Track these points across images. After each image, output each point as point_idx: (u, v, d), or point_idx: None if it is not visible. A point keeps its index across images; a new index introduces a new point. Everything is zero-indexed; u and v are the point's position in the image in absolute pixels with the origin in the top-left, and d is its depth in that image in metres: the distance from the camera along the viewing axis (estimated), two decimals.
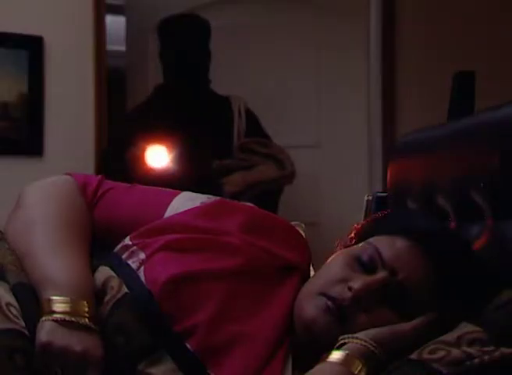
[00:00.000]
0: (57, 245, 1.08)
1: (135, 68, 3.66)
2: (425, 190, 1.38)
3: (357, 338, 1.00)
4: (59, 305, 0.99)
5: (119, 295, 1.03)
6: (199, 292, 1.05)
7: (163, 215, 1.18)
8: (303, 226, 1.30)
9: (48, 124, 2.90)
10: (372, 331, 1.01)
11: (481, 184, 1.19)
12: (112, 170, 2.69)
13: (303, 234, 1.25)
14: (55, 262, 1.05)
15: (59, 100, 2.92)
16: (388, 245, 1.08)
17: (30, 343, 0.97)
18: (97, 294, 1.03)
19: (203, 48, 3.05)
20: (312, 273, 1.20)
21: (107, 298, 1.03)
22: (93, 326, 0.99)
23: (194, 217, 1.15)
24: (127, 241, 1.13)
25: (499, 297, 1.02)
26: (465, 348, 0.93)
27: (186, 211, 1.17)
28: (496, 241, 1.15)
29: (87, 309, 0.99)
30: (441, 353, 0.94)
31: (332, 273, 1.08)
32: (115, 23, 3.55)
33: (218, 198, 1.23)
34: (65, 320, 0.97)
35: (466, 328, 0.97)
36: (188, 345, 1.01)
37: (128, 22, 3.70)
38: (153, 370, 0.99)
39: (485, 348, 0.93)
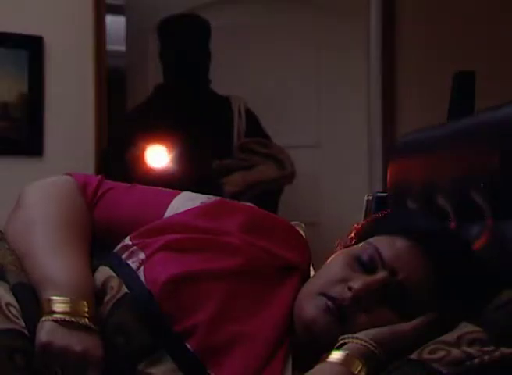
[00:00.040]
0: (57, 245, 1.08)
1: (135, 68, 3.66)
2: (425, 190, 1.38)
3: (357, 338, 1.00)
4: (59, 305, 0.99)
5: (119, 295, 1.03)
6: (199, 292, 1.05)
7: (163, 215, 1.18)
8: (303, 226, 1.30)
9: (47, 124, 2.90)
10: (372, 331, 1.01)
11: (481, 184, 1.19)
12: (111, 170, 2.69)
13: (303, 234, 1.25)
14: (55, 262, 1.05)
15: (59, 100, 2.92)
16: (388, 245, 1.08)
17: (30, 343, 0.97)
18: (97, 294, 1.03)
19: (203, 48, 3.05)
20: (312, 273, 1.20)
21: (107, 298, 1.03)
22: (93, 326, 0.99)
23: (194, 217, 1.15)
24: (127, 241, 1.13)
25: (499, 297, 1.02)
26: (465, 348, 0.93)
27: (186, 211, 1.17)
28: (495, 241, 1.15)
29: (86, 309, 0.99)
30: (441, 353, 0.94)
31: (332, 273, 1.08)
32: (115, 23, 3.55)
33: (218, 198, 1.23)
34: (65, 320, 0.97)
35: (466, 328, 0.97)
36: (188, 345, 1.01)
37: (128, 22, 3.70)
38: (153, 370, 0.99)
39: (485, 348, 0.93)
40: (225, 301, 1.05)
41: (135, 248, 1.11)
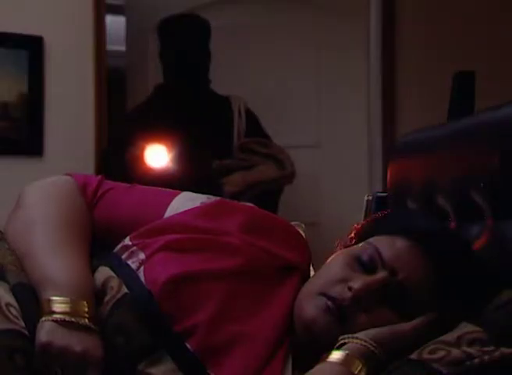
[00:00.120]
0: (57, 245, 1.08)
1: (135, 68, 3.66)
2: (425, 190, 1.38)
3: (357, 338, 1.00)
4: (59, 305, 0.99)
5: (119, 295, 1.03)
6: (199, 292, 1.05)
7: (163, 215, 1.18)
8: (303, 226, 1.30)
9: (47, 124, 2.90)
10: (372, 331, 1.01)
11: (481, 184, 1.19)
12: (111, 170, 2.69)
13: (303, 234, 1.25)
14: (55, 262, 1.05)
15: (59, 100, 2.92)
16: (388, 245, 1.08)
17: (30, 343, 0.97)
18: (97, 295, 1.03)
19: (203, 48, 3.05)
20: (312, 273, 1.20)
21: (107, 298, 1.03)
22: (93, 326, 0.99)
23: (194, 217, 1.15)
24: (127, 241, 1.13)
25: (499, 297, 1.02)
26: (465, 348, 0.93)
27: (186, 211, 1.17)
28: (496, 241, 1.15)
29: (86, 310, 0.99)
30: (441, 353, 0.94)
31: (332, 273, 1.08)
32: (115, 23, 3.55)
33: (218, 198, 1.23)
34: (65, 321, 0.97)
35: (466, 328, 0.97)
36: (188, 345, 1.01)
37: (128, 22, 3.70)
38: (153, 370, 0.99)
39: (485, 348, 0.93)
40: (225, 301, 1.05)
41: (135, 248, 1.11)
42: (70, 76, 2.95)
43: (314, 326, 1.04)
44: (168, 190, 1.25)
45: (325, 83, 3.60)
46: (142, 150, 2.82)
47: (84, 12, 2.97)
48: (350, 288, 1.03)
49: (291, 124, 3.52)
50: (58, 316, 0.98)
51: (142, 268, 1.08)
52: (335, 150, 3.59)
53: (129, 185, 1.25)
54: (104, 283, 1.05)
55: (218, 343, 1.02)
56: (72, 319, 0.98)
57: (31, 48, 2.87)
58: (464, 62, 2.91)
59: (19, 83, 2.86)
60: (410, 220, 1.14)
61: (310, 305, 1.05)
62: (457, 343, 0.95)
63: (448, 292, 1.04)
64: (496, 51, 3.38)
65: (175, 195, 1.21)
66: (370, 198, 1.63)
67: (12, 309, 0.99)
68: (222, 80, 3.14)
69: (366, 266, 1.07)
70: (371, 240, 1.11)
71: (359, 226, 1.19)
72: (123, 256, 1.11)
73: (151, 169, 2.81)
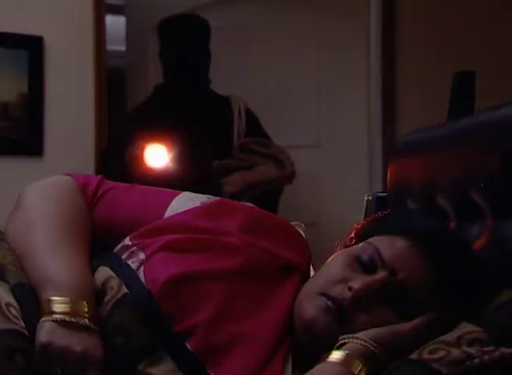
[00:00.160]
0: (57, 245, 1.08)
1: (135, 68, 3.66)
2: (425, 190, 1.38)
3: (357, 338, 1.00)
4: (59, 305, 0.99)
5: (119, 295, 1.03)
6: (199, 292, 1.05)
7: (163, 215, 1.18)
8: (303, 226, 1.30)
9: (47, 124, 2.90)
10: (372, 331, 1.01)
11: (481, 184, 1.19)
12: (111, 170, 2.69)
13: (303, 234, 1.25)
14: (55, 262, 1.05)
15: (59, 100, 2.92)
16: (388, 245, 1.08)
17: (30, 343, 0.97)
18: (97, 295, 1.03)
19: (203, 48, 3.05)
20: (312, 273, 1.20)
21: (107, 298, 1.03)
22: (93, 326, 0.99)
23: (194, 217, 1.15)
24: (127, 241, 1.13)
25: (499, 297, 1.02)
26: (465, 348, 0.93)
27: (186, 211, 1.17)
28: (496, 241, 1.15)
29: (86, 310, 0.99)
30: (441, 353, 0.94)
31: (332, 273, 1.08)
32: (115, 23, 3.55)
33: (218, 198, 1.23)
34: (65, 321, 0.97)
35: (466, 328, 0.97)
36: (188, 345, 1.01)
37: (128, 22, 3.70)
38: (153, 370, 0.99)
39: (485, 348, 0.93)
40: (225, 301, 1.05)
41: (135, 248, 1.11)
42: (70, 76, 2.95)
43: (314, 326, 1.04)
44: (168, 190, 1.25)
45: (325, 83, 3.60)
46: (142, 150, 2.82)
47: (84, 12, 2.97)
48: (350, 288, 1.03)
49: (291, 124, 3.51)
50: (58, 316, 0.98)
51: (142, 268, 1.07)
52: (335, 150, 3.59)
53: (129, 185, 1.25)
54: (104, 283, 1.05)
55: (218, 343, 1.02)
56: (72, 320, 0.98)
57: (31, 48, 2.87)
58: (464, 62, 2.91)
59: (19, 83, 2.86)
60: (410, 220, 1.14)
61: (310, 305, 1.05)
62: (457, 343, 0.95)
63: (448, 292, 1.04)
64: (496, 51, 3.38)
65: (175, 195, 1.21)
66: (370, 198, 1.63)
67: (12, 309, 0.99)
68: (222, 80, 3.14)
69: (366, 266, 1.07)
70: (371, 240, 1.11)
71: (359, 226, 1.19)
72: (123, 256, 1.11)
73: (151, 169, 2.81)
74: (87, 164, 2.90)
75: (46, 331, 0.97)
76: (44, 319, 0.98)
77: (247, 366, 1.01)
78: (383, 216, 1.19)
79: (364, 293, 1.03)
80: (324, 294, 1.05)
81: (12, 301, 1.01)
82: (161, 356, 1.00)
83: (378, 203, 1.59)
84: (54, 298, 0.99)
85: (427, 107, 3.05)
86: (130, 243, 1.12)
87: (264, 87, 3.50)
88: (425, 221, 1.14)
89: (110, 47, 3.17)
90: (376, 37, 3.51)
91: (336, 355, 0.98)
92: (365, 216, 1.58)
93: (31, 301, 1.02)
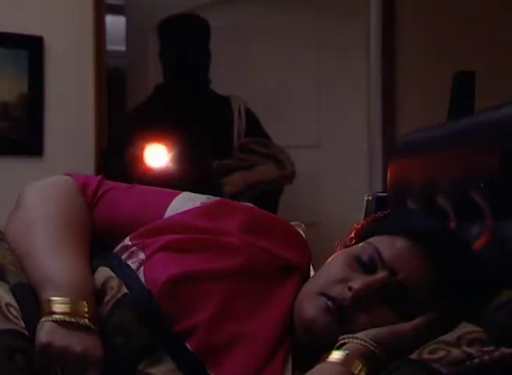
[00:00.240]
0: (57, 245, 1.08)
1: (135, 68, 3.66)
2: (425, 190, 1.38)
3: (357, 338, 1.00)
4: (59, 305, 0.99)
5: (119, 296, 1.03)
6: (199, 292, 1.05)
7: (163, 215, 1.18)
8: (303, 226, 1.30)
9: (47, 124, 2.90)
10: (372, 331, 1.01)
11: (481, 184, 1.19)
12: (111, 170, 2.69)
13: (303, 234, 1.25)
14: (54, 263, 1.05)
15: (59, 100, 2.92)
16: (388, 245, 1.08)
17: (30, 343, 0.97)
18: (97, 295, 1.03)
19: (203, 48, 3.05)
20: (312, 273, 1.20)
21: (107, 298, 1.03)
22: (93, 326, 0.99)
23: (194, 217, 1.15)
24: (127, 241, 1.13)
25: (499, 297, 1.02)
26: (465, 348, 0.93)
27: (186, 211, 1.17)
28: (496, 241, 1.15)
29: (86, 310, 0.99)
30: (441, 353, 0.94)
31: (332, 273, 1.08)
32: (115, 23, 3.55)
33: (218, 198, 1.23)
34: (64, 321, 0.97)
35: (466, 328, 0.97)
36: (188, 345, 1.01)
37: (128, 22, 3.70)
38: (153, 370, 0.99)
39: (485, 348, 0.93)
40: (225, 301, 1.05)
41: (135, 248, 1.11)
42: (70, 76, 2.95)
43: (314, 326, 1.04)
44: (168, 190, 1.25)
45: (325, 83, 3.60)
46: (142, 150, 2.82)
47: (84, 12, 2.97)
48: (350, 288, 1.03)
49: (291, 124, 3.51)
50: (58, 316, 0.98)
51: (142, 268, 1.08)
52: (335, 150, 3.59)
53: (129, 185, 1.25)
54: (104, 284, 1.05)
55: (218, 343, 1.02)
56: (72, 320, 0.98)
57: (31, 48, 2.87)
58: (464, 62, 2.91)
59: (19, 83, 2.85)
60: (410, 220, 1.14)
61: (310, 305, 1.05)
62: (457, 343, 0.95)
63: (448, 292, 1.04)
64: (496, 51, 3.38)
65: (175, 195, 1.21)
66: (370, 198, 1.63)
67: (12, 309, 0.99)
68: (222, 80, 3.14)
69: (366, 266, 1.07)
70: (371, 240, 1.11)
71: (359, 226, 1.19)
72: (123, 256, 1.11)
73: (151, 169, 2.81)
74: (87, 164, 2.90)
75: (46, 331, 0.97)
76: (44, 319, 0.98)
77: (247, 366, 1.01)
78: (383, 216, 1.19)
79: (364, 293, 1.03)
80: (324, 294, 1.05)
81: (12, 301, 1.01)
82: (161, 356, 1.00)
83: (378, 203, 1.59)
84: (54, 298, 0.99)
85: (427, 107, 3.05)
86: (130, 243, 1.12)
87: (264, 87, 3.49)
88: (425, 221, 1.14)
89: (110, 47, 3.17)
90: (376, 37, 3.50)
91: (335, 355, 0.98)
92: (365, 216, 1.58)
93: (31, 301, 1.02)
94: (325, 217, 3.48)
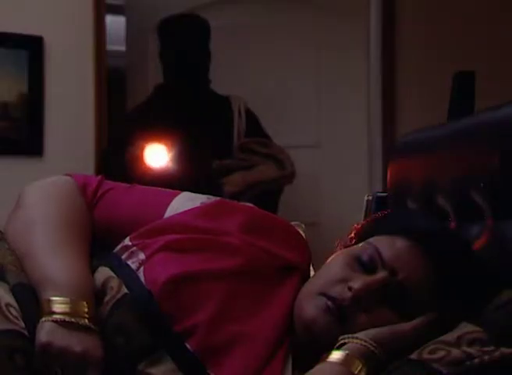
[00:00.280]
0: (57, 245, 1.08)
1: (135, 68, 3.66)
2: (425, 190, 1.38)
3: (357, 338, 1.00)
4: (59, 305, 0.99)
5: (119, 296, 1.03)
6: (199, 292, 1.05)
7: (163, 215, 1.18)
8: (303, 226, 1.30)
9: (48, 124, 2.90)
10: (372, 331, 1.01)
11: (481, 184, 1.19)
12: (111, 170, 2.69)
13: (303, 234, 1.25)
14: (54, 263, 1.05)
15: (59, 100, 2.92)
16: (388, 245, 1.08)
17: (30, 343, 0.97)
18: (97, 295, 1.03)
19: (203, 48, 3.05)
20: (312, 273, 1.20)
21: (106, 298, 1.03)
22: (93, 326, 0.99)
23: (194, 217, 1.15)
24: (127, 241, 1.13)
25: (499, 297, 1.02)
26: (465, 348, 0.93)
27: (186, 211, 1.17)
28: (496, 241, 1.15)
29: (86, 310, 0.99)
30: (441, 353, 0.94)
31: (332, 273, 1.08)
32: (115, 23, 3.55)
33: (218, 198, 1.23)
34: (64, 321, 0.97)
35: (466, 328, 0.97)
36: (188, 345, 1.01)
37: (128, 22, 3.70)
38: (153, 370, 0.99)
39: (485, 348, 0.93)
40: (225, 301, 1.05)
41: (135, 248, 1.11)
42: (70, 76, 2.95)
43: (314, 326, 1.04)
44: (168, 190, 1.25)
45: (325, 83, 3.60)
46: (142, 150, 2.82)
47: (84, 12, 2.97)
48: (350, 288, 1.03)
49: (291, 124, 3.51)
50: (58, 316, 0.98)
51: (142, 268, 1.07)
52: (335, 150, 3.59)
53: (129, 185, 1.25)
54: (104, 284, 1.05)
55: (218, 343, 1.02)
56: (72, 320, 0.98)
57: (31, 48, 2.87)
58: (464, 62, 2.91)
59: (19, 83, 2.85)
60: (410, 220, 1.14)
61: (310, 305, 1.05)
62: (457, 343, 0.95)
63: (448, 292, 1.04)
64: (496, 51, 3.38)
65: (175, 195, 1.21)
66: (370, 198, 1.63)
67: (12, 310, 0.99)
68: (222, 80, 3.14)
69: (366, 266, 1.07)
70: (371, 240, 1.11)
71: (359, 226, 1.19)
72: (123, 256, 1.11)
73: (150, 169, 2.81)
74: (87, 164, 2.90)
75: (46, 331, 0.97)
76: (44, 319, 0.98)
77: (247, 366, 1.01)
78: (383, 216, 1.19)
79: (364, 293, 1.03)
80: (324, 294, 1.05)
81: (12, 301, 1.01)
82: (161, 356, 1.00)
83: (378, 203, 1.59)
84: (54, 298, 0.99)
85: (427, 107, 3.05)
86: (130, 243, 1.12)
87: (264, 87, 3.50)
88: (425, 221, 1.14)
89: (110, 47, 3.17)
90: (376, 37, 3.51)
91: (335, 355, 0.98)
92: (365, 216, 1.58)
93: (31, 301, 1.02)
94: (325, 217, 3.48)
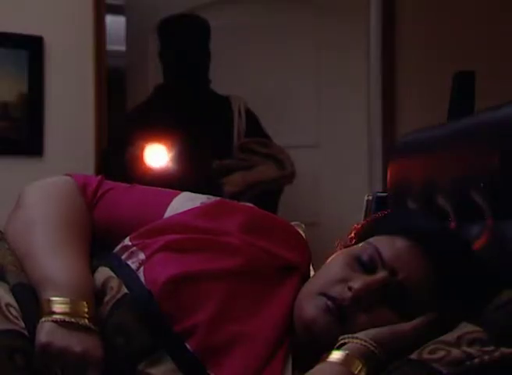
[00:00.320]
0: (57, 245, 1.08)
1: (135, 68, 3.66)
2: (425, 190, 1.38)
3: (357, 338, 1.00)
4: (59, 305, 0.99)
5: (119, 296, 1.03)
6: (199, 292, 1.05)
7: (163, 215, 1.18)
8: (303, 226, 1.30)
9: (48, 124, 2.90)
10: (372, 331, 1.01)
11: (481, 184, 1.19)
12: (111, 170, 2.69)
13: (303, 234, 1.25)
14: (54, 263, 1.05)
15: (59, 100, 2.92)
16: (388, 245, 1.08)
17: (30, 343, 0.97)
18: (97, 295, 1.03)
19: (203, 48, 3.05)
20: (312, 273, 1.20)
21: (106, 298, 1.03)
22: (93, 326, 0.99)
23: (194, 217, 1.15)
24: (127, 241, 1.13)
25: (499, 297, 1.02)
26: (465, 348, 0.93)
27: (186, 211, 1.17)
28: (496, 241, 1.15)
29: (86, 310, 0.99)
30: (441, 353, 0.94)
31: (332, 273, 1.08)
32: (115, 23, 3.55)
33: (218, 198, 1.23)
34: (64, 321, 0.97)
35: (466, 328, 0.97)
36: (188, 345, 1.01)
37: (128, 22, 3.70)
38: (153, 370, 0.99)
39: (485, 348, 0.93)
40: (225, 301, 1.05)
41: (135, 248, 1.11)
42: (70, 76, 2.95)
43: (314, 326, 1.04)
44: (168, 190, 1.25)
45: (325, 83, 3.60)
46: (142, 150, 2.82)
47: (84, 12, 2.97)
48: (350, 288, 1.03)
49: (291, 124, 3.51)
50: (58, 316, 0.98)
51: (142, 268, 1.07)
52: (335, 150, 3.59)
53: (129, 185, 1.25)
54: (104, 284, 1.05)
55: (218, 343, 1.02)
56: (72, 320, 0.98)
57: (31, 48, 2.87)
58: (464, 62, 2.91)
59: (19, 83, 2.85)
60: (410, 220, 1.14)
61: (310, 305, 1.05)
62: (457, 343, 0.95)
63: (448, 292, 1.04)
64: (496, 51, 3.38)
65: (175, 195, 1.21)
66: (370, 198, 1.63)
67: (12, 310, 0.99)
68: (222, 80, 3.14)
69: (366, 266, 1.07)
70: (371, 240, 1.11)
71: (359, 226, 1.19)
72: (123, 256, 1.11)
73: (150, 169, 2.81)
74: (87, 164, 2.90)
75: (46, 331, 0.97)
76: (43, 319, 0.98)
77: (247, 366, 1.01)
78: (383, 216, 1.19)
79: (364, 293, 1.03)
80: (324, 294, 1.05)
81: (12, 301, 1.01)
82: (161, 356, 1.00)
83: (378, 203, 1.59)
84: (54, 298, 0.99)
85: (427, 107, 3.05)
86: (130, 243, 1.12)
87: (264, 87, 3.49)
88: (425, 221, 1.14)
89: (110, 47, 3.17)
90: (376, 37, 3.50)
91: (335, 355, 0.98)
92: (365, 216, 1.58)
93: (31, 301, 1.02)
94: (325, 217, 3.47)
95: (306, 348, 1.06)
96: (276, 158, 2.99)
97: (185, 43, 3.01)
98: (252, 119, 3.08)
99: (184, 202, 1.19)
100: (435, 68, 3.26)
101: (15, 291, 1.02)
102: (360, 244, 1.11)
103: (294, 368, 1.05)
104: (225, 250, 1.10)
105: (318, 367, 0.99)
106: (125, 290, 1.04)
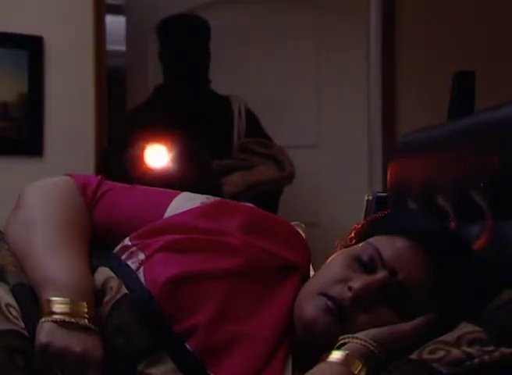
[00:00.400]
0: (57, 245, 1.08)
1: (135, 68, 3.66)
2: (425, 190, 1.38)
3: (357, 338, 1.00)
4: (59, 305, 0.99)
5: (119, 296, 1.03)
6: (199, 292, 1.05)
7: (163, 215, 1.18)
8: (303, 226, 1.30)
9: (48, 124, 2.90)
10: (372, 331, 1.01)
11: (481, 184, 1.19)
12: (111, 170, 2.69)
13: (303, 234, 1.25)
14: (54, 263, 1.05)
15: (59, 100, 2.92)
16: (388, 245, 1.08)
17: (30, 343, 0.97)
18: (97, 295, 1.03)
19: (203, 48, 3.05)
20: (312, 273, 1.20)
21: (106, 298, 1.03)
22: (92, 326, 0.99)
23: (194, 218, 1.15)
24: (127, 241, 1.13)
25: (499, 297, 1.02)
26: (465, 348, 0.93)
27: (185, 211, 1.17)
28: (496, 241, 1.15)
29: (86, 310, 0.99)
30: (441, 353, 0.94)
31: (332, 273, 1.08)
32: (115, 23, 3.55)
33: (217, 198, 1.23)
34: (64, 321, 0.97)
35: (466, 328, 0.97)
36: (188, 346, 1.01)
37: (128, 22, 3.70)
38: (153, 371, 0.99)
39: (485, 348, 0.93)
40: (225, 301, 1.05)
41: (135, 248, 1.11)
42: (70, 76, 2.95)
43: (314, 326, 1.04)
44: (167, 190, 1.25)
45: (325, 83, 3.60)
46: (142, 150, 2.82)
47: (84, 12, 2.97)
48: (350, 288, 1.03)
49: (291, 124, 3.51)
50: (57, 316, 0.98)
51: (142, 268, 1.07)
52: (335, 150, 3.58)
53: (128, 185, 1.25)
54: (104, 284, 1.05)
55: (218, 343, 1.02)
56: (72, 320, 0.98)
57: (31, 48, 2.87)
58: (464, 62, 2.90)
59: (19, 83, 2.85)
60: (410, 220, 1.14)
61: (310, 305, 1.05)
62: (457, 343, 0.95)
63: (448, 292, 1.04)
64: (496, 51, 3.38)
65: (174, 196, 1.21)
66: (370, 198, 1.63)
67: (11, 310, 0.99)
68: (222, 80, 3.14)
69: (366, 266, 1.07)
70: (371, 240, 1.11)
71: (359, 226, 1.19)
72: (123, 257, 1.11)
73: (150, 169, 2.81)
74: (87, 164, 2.90)
75: (46, 332, 0.97)
76: (43, 319, 0.98)
77: (247, 366, 1.01)
78: (383, 216, 1.19)
79: (364, 293, 1.03)
80: (324, 294, 1.05)
81: (12, 301, 1.01)
82: (161, 356, 1.00)
83: (378, 203, 1.59)
84: (54, 298, 0.99)
85: (427, 107, 3.05)
86: (130, 243, 1.12)
87: (264, 87, 3.49)
88: (425, 221, 1.14)
89: (110, 47, 3.17)
90: (376, 37, 3.50)
91: (335, 355, 0.98)
92: (365, 216, 1.58)
93: (31, 301, 1.02)
94: (325, 217, 3.47)
95: (306, 348, 1.06)
96: (276, 159, 2.99)
97: (185, 43, 3.01)
98: (252, 119, 3.08)
99: (184, 202, 1.19)
100: (435, 68, 3.26)
101: (15, 291, 1.02)
102: (360, 244, 1.11)
103: (294, 368, 1.05)
104: (225, 250, 1.10)
105: (318, 367, 0.99)
106: (125, 290, 1.04)
